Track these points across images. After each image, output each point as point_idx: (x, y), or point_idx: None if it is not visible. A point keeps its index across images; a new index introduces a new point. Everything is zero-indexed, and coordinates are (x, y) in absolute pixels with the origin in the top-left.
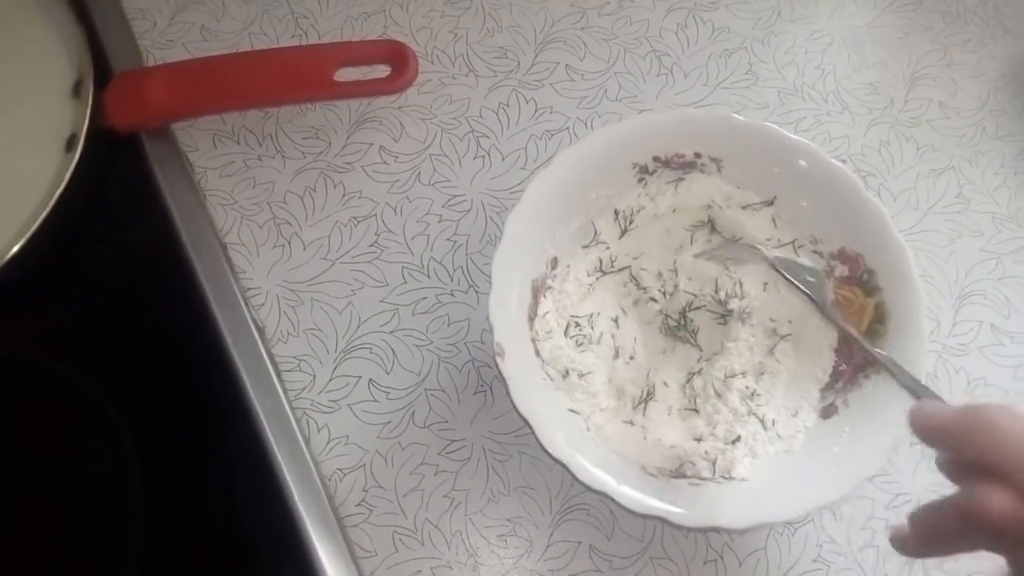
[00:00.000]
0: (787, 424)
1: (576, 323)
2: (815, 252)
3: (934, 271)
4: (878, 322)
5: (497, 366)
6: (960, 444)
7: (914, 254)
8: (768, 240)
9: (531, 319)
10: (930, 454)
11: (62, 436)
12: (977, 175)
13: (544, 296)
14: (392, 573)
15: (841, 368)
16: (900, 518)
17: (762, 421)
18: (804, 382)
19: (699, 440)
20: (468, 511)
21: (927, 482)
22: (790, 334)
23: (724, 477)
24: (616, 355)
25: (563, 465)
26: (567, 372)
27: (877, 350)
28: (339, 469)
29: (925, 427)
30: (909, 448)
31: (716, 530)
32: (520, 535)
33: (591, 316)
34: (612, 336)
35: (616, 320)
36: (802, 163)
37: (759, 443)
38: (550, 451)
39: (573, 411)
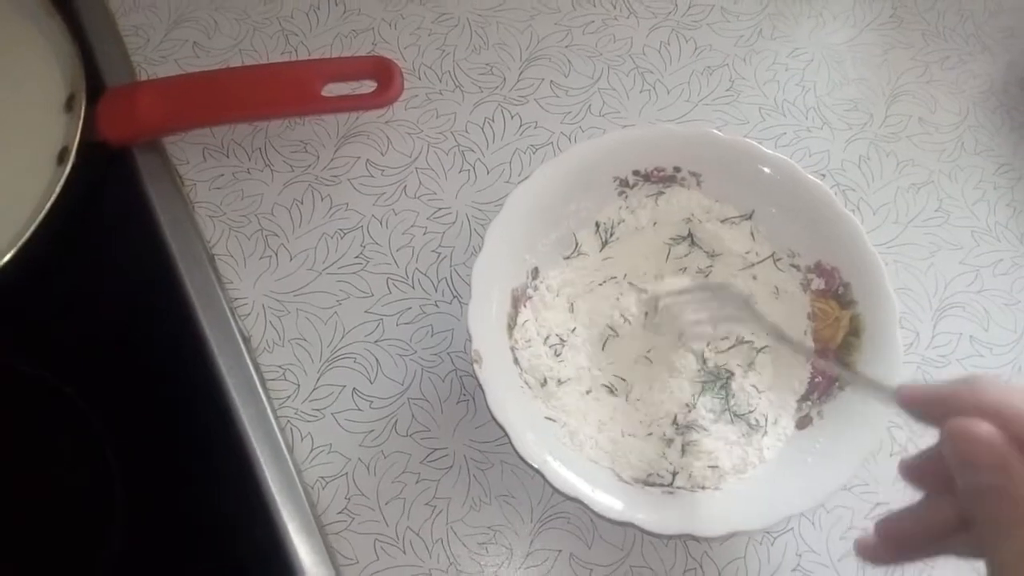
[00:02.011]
0: (765, 434)
1: (555, 333)
2: (792, 265)
3: (913, 284)
4: (853, 335)
5: (475, 373)
6: (950, 400)
7: (890, 268)
8: (747, 253)
9: (510, 328)
10: None
11: (45, 444)
12: (956, 189)
13: (524, 305)
14: None
15: (817, 380)
16: None
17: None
18: (781, 393)
19: (682, 455)
20: (449, 519)
21: (906, 492)
22: (767, 346)
23: (699, 486)
24: (594, 364)
25: (537, 471)
26: (545, 381)
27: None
28: (322, 477)
29: (912, 396)
30: (889, 458)
31: (688, 537)
32: (501, 543)
33: (571, 326)
34: (591, 345)
35: (595, 330)
36: (780, 178)
37: (736, 455)
38: (525, 457)
39: (550, 419)
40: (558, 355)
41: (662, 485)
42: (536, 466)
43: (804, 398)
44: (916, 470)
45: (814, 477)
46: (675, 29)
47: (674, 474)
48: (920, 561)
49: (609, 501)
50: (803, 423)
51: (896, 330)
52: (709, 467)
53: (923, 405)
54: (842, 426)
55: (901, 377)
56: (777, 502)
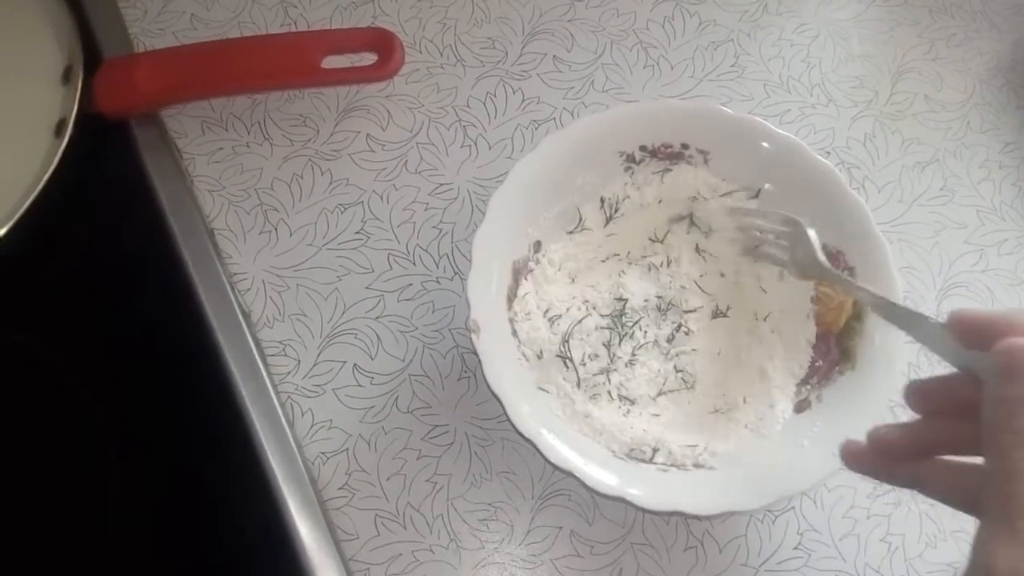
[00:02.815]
0: (764, 416)
1: (555, 306)
2: None
3: (918, 263)
4: (856, 319)
5: (472, 343)
6: (1005, 324)
7: (895, 247)
8: None
9: (510, 299)
10: None
11: (41, 420)
12: (962, 168)
13: (525, 278)
14: (373, 556)
15: (817, 364)
16: (881, 508)
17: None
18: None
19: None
20: (450, 495)
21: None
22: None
23: (693, 465)
24: (593, 338)
25: (530, 442)
26: (542, 353)
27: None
28: (322, 453)
29: (965, 319)
30: None
31: (678, 515)
32: (501, 520)
33: (572, 300)
34: (591, 321)
35: (595, 306)
36: (787, 158)
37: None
38: (518, 428)
39: (544, 391)
40: (555, 327)
41: (655, 463)
42: (531, 438)
43: (804, 382)
44: (922, 392)
45: (808, 460)
46: (679, 3)
47: (655, 450)
48: (896, 483)
49: (602, 475)
50: (801, 407)
51: None
52: (688, 446)
53: (977, 327)
54: (841, 411)
55: (903, 362)
56: (768, 484)
